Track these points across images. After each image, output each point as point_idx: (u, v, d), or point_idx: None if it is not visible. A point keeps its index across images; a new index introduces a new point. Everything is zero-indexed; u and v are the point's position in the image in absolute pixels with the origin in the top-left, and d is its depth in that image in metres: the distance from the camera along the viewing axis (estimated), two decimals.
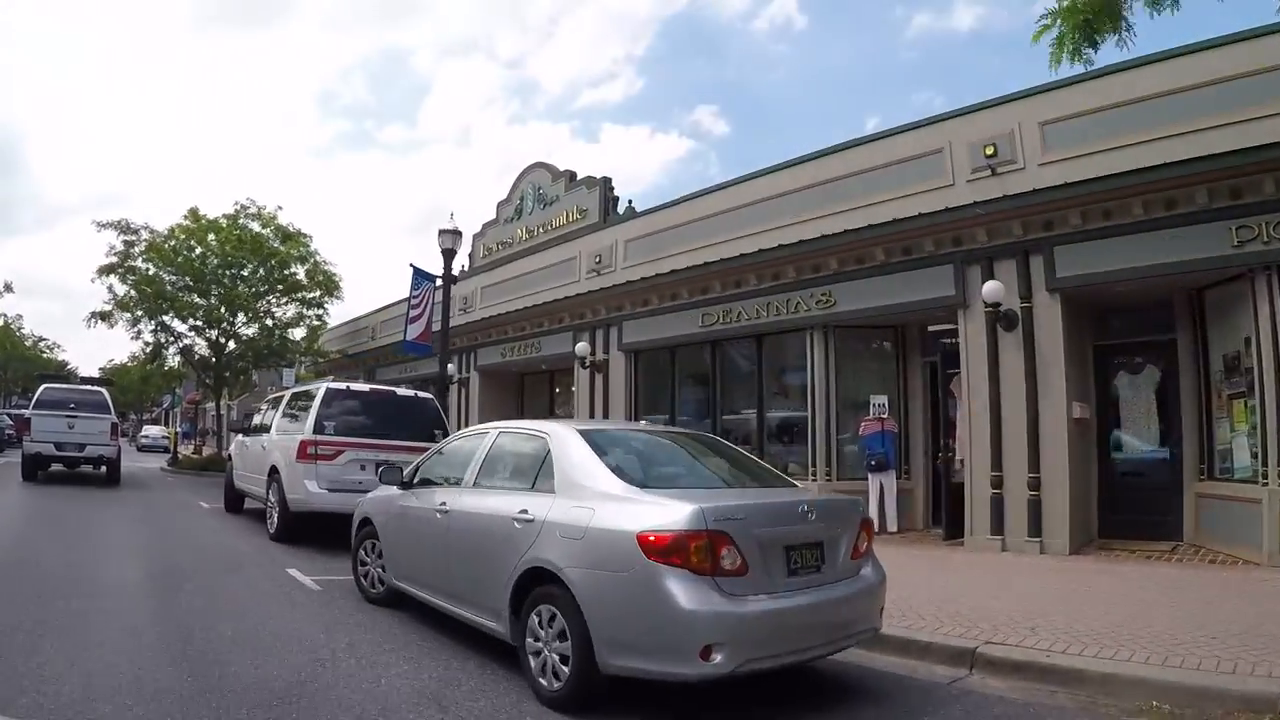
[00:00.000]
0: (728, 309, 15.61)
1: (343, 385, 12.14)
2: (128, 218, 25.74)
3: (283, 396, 13.41)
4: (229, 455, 15.36)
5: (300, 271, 27.10)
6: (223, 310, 25.70)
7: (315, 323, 28.16)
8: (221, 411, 31.56)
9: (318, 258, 27.33)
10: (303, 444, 11.23)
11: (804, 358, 14.12)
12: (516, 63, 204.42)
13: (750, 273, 14.90)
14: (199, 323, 26.75)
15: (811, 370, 13.89)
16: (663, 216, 17.61)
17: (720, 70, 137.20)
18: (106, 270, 25.38)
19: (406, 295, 16.74)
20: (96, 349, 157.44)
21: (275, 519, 11.63)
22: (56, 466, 18.84)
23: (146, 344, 27.03)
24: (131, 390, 71.14)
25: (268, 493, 12.13)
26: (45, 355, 69.40)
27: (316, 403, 11.52)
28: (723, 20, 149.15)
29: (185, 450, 46.09)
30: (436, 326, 16.99)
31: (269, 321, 27.56)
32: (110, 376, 76.53)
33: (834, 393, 13.74)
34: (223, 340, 26.97)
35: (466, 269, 24.58)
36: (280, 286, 26.90)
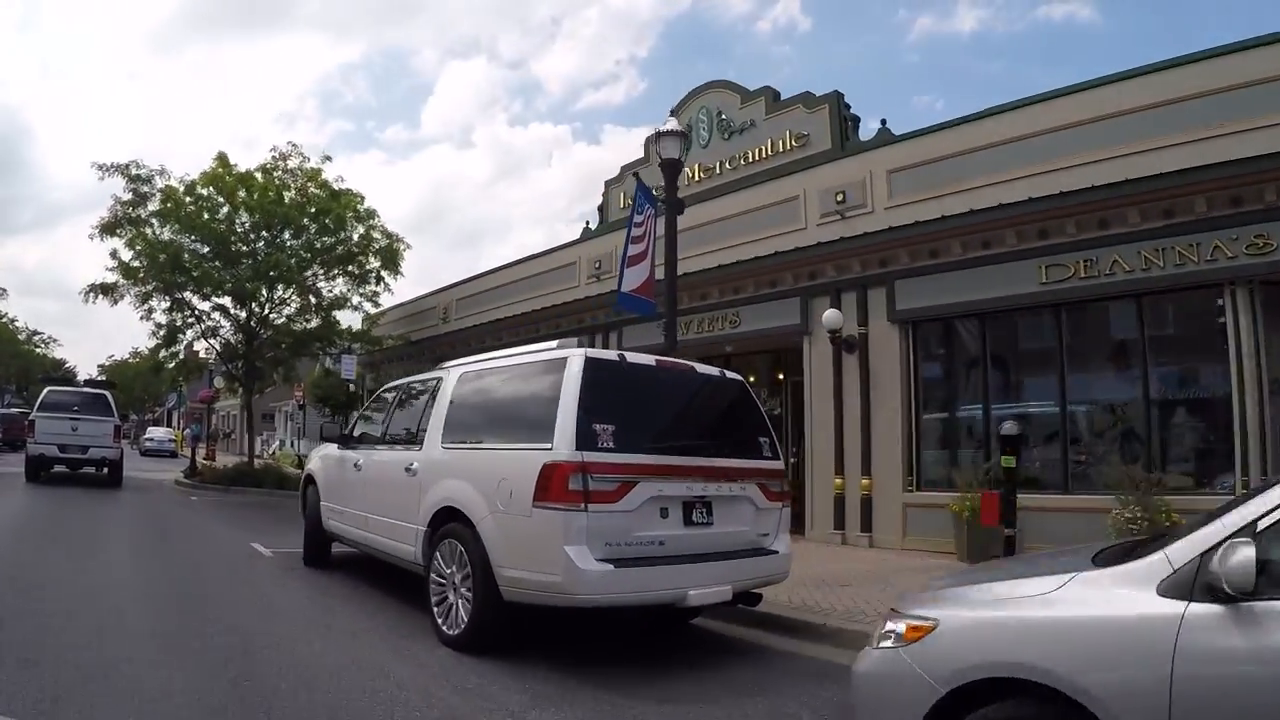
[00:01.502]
0: (1089, 259, 9.97)
1: (611, 354, 5.86)
2: (139, 159, 19.44)
3: (437, 378, 7.24)
4: (309, 478, 9.17)
5: (354, 236, 20.85)
6: (257, 284, 19.41)
7: (371, 301, 21.88)
8: (253, 410, 25.09)
9: (376, 219, 21.11)
10: (555, 471, 5.03)
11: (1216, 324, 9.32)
12: (518, 64, 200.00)
13: (1130, 206, 9.38)
14: (225, 300, 20.57)
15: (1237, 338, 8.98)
16: (946, 139, 11.69)
17: (723, 72, 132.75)
18: (109, 228, 19.13)
19: (626, 223, 10.10)
20: (98, 347, 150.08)
21: (456, 608, 5.71)
22: (60, 468, 18.53)
23: (158, 326, 20.72)
24: (135, 386, 64.99)
25: (427, 557, 6.13)
26: (39, 350, 63.14)
27: (571, 386, 5.32)
28: (726, 22, 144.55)
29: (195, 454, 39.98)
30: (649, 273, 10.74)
31: (313, 299, 21.34)
32: (110, 375, 71.16)
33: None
34: (255, 323, 20.68)
35: (595, 226, 18.47)
36: (329, 256, 20.65)
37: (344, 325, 22.45)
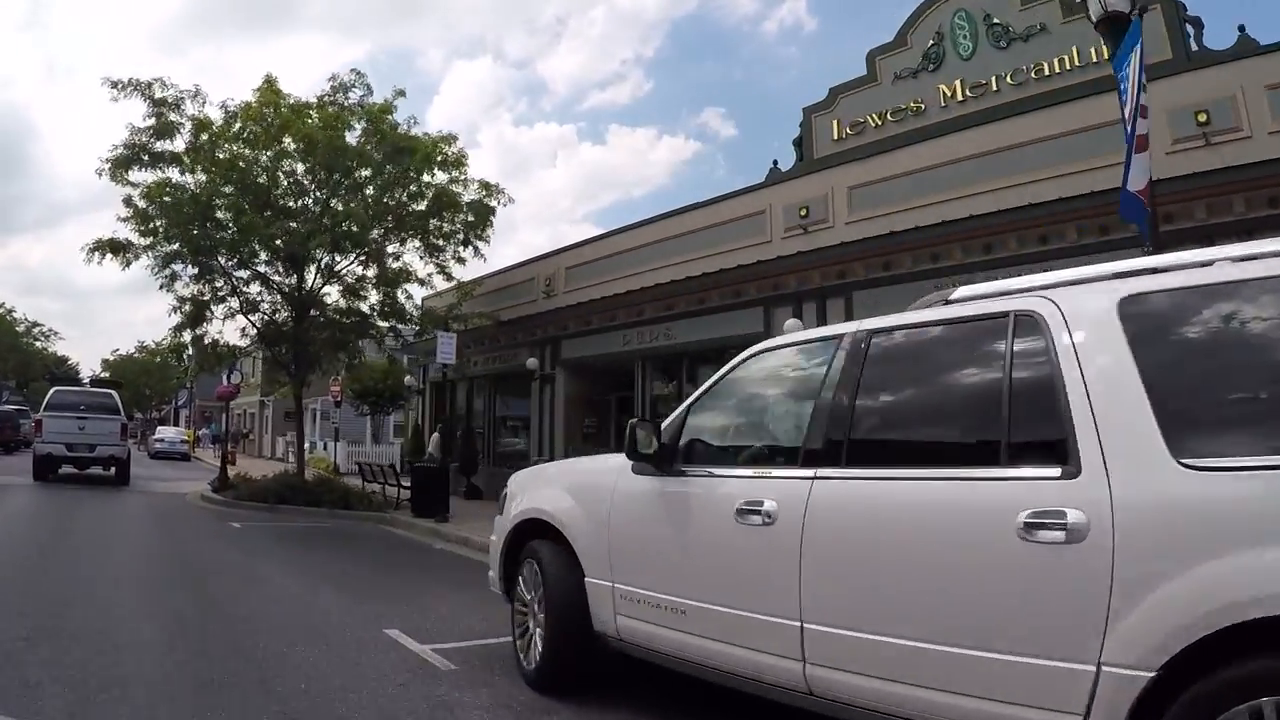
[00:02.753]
0: None
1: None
2: (165, 77, 14.86)
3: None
4: (531, 526, 4.65)
5: (430, 182, 16.30)
6: (320, 239, 14.86)
7: (442, 272, 17.34)
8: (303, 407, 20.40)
9: (465, 166, 16.56)
10: None
11: None
12: (524, 63, 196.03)
13: None
14: (270, 269, 16.11)
15: None
16: None
17: (729, 72, 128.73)
18: (122, 165, 14.59)
19: (1121, 80, 5.46)
20: (102, 344, 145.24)
21: None
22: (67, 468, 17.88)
23: (179, 301, 16.14)
24: (141, 382, 60.33)
25: None
26: (39, 344, 58.61)
27: None
28: (732, 22, 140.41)
29: (205, 457, 35.16)
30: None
31: (377, 267, 16.83)
32: (114, 370, 66.54)
33: None
34: (307, 296, 16.16)
35: (797, 163, 14.04)
36: (406, 214, 16.14)
37: (406, 300, 17.93)
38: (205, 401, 55.45)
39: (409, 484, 15.67)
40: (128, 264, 15.06)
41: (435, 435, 20.40)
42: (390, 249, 16.81)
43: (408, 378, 22.80)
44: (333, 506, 14.71)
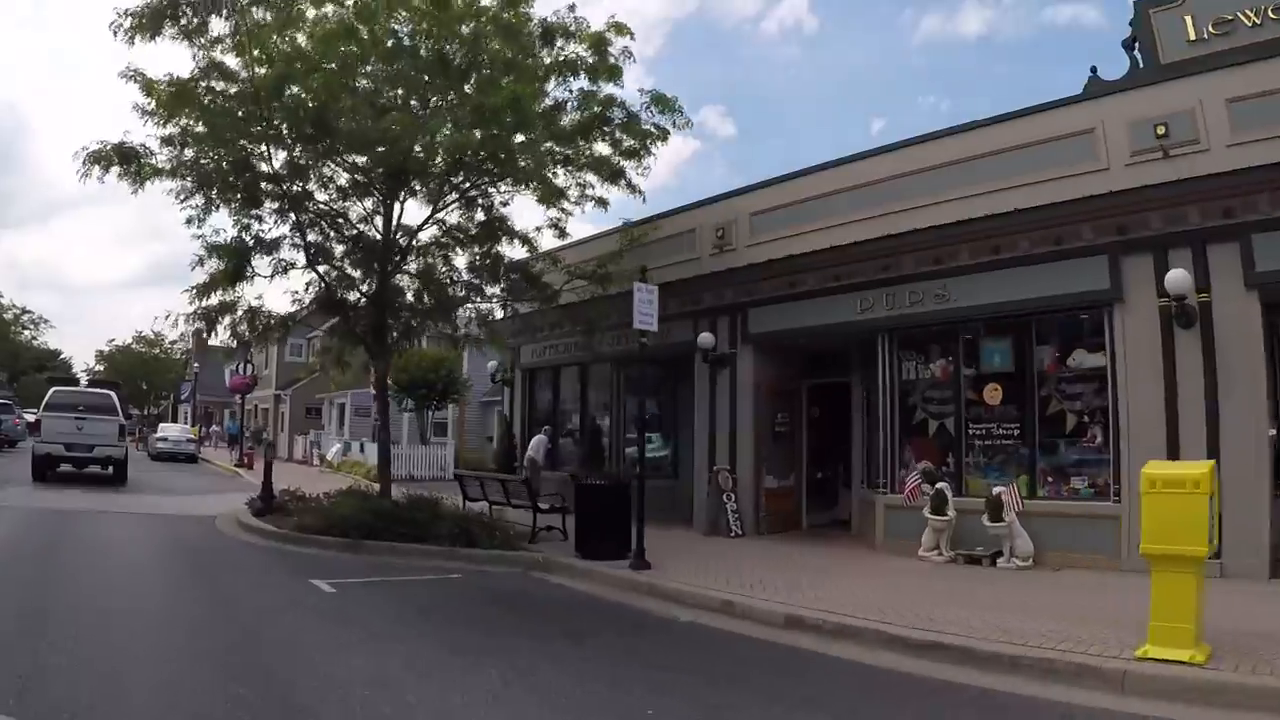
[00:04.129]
0: None
1: None
2: None
3: None
4: None
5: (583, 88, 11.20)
6: (457, 138, 9.72)
7: (553, 217, 12.34)
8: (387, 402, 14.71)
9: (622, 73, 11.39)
10: None
11: None
12: None
13: None
14: (350, 200, 11.14)
15: None
16: None
17: (729, 72, 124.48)
18: (149, 21, 9.41)
19: None
20: (97, 337, 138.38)
21: None
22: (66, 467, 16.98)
23: (208, 250, 10.99)
24: (144, 371, 54.91)
25: None
26: (29, 333, 53.17)
27: None
28: (732, 22, 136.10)
29: (216, 459, 29.97)
30: None
31: (483, 205, 11.80)
32: (108, 362, 60.93)
33: None
34: (394, 241, 11.11)
35: (1135, 69, 9.28)
36: (553, 130, 10.99)
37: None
38: (207, 397, 50.13)
39: (548, 506, 10.74)
40: (139, 182, 9.96)
41: (540, 437, 15.40)
42: (500, 192, 11.77)
43: (491, 364, 17.71)
44: (450, 542, 9.67)
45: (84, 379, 60.26)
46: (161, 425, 36.58)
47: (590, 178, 11.88)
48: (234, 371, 32.59)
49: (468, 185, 10.99)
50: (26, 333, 53.10)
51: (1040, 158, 9.62)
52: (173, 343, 58.13)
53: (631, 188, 12.07)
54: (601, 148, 11.62)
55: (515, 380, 17.07)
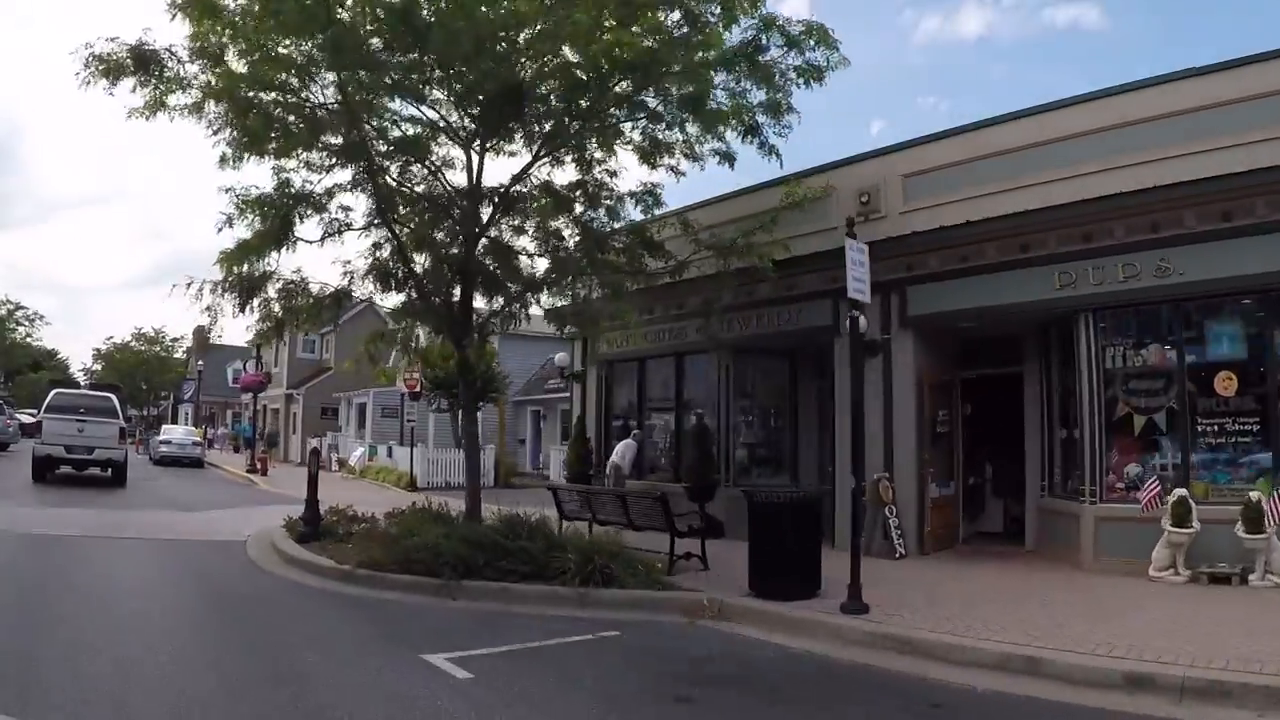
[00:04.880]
0: None
1: None
2: None
3: None
4: None
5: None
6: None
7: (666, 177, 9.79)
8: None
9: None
10: None
11: None
12: None
13: None
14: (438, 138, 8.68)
15: None
16: None
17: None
18: None
19: None
20: (95, 338, 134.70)
21: None
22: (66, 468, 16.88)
23: (240, 207, 8.47)
24: (145, 370, 52.14)
25: None
26: (23, 330, 50.43)
27: None
28: None
29: (224, 463, 25.82)
30: None
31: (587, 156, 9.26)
32: (106, 361, 58.24)
33: None
34: (482, 194, 8.58)
35: None
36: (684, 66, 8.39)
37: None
38: (209, 397, 47.40)
39: (686, 528, 8.29)
40: (156, 101, 7.41)
41: (628, 441, 12.86)
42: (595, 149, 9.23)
43: (559, 355, 15.20)
44: (581, 581, 7.10)
45: (82, 379, 58.15)
46: (164, 427, 33.79)
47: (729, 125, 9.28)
48: (243, 368, 29.99)
49: (598, 115, 8.38)
50: (21, 329, 50.21)
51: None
52: (174, 340, 55.65)
53: (769, 147, 9.48)
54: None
55: (588, 375, 14.50)
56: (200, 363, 39.94)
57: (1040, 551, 9.77)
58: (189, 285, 8.95)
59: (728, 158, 9.77)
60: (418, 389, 20.65)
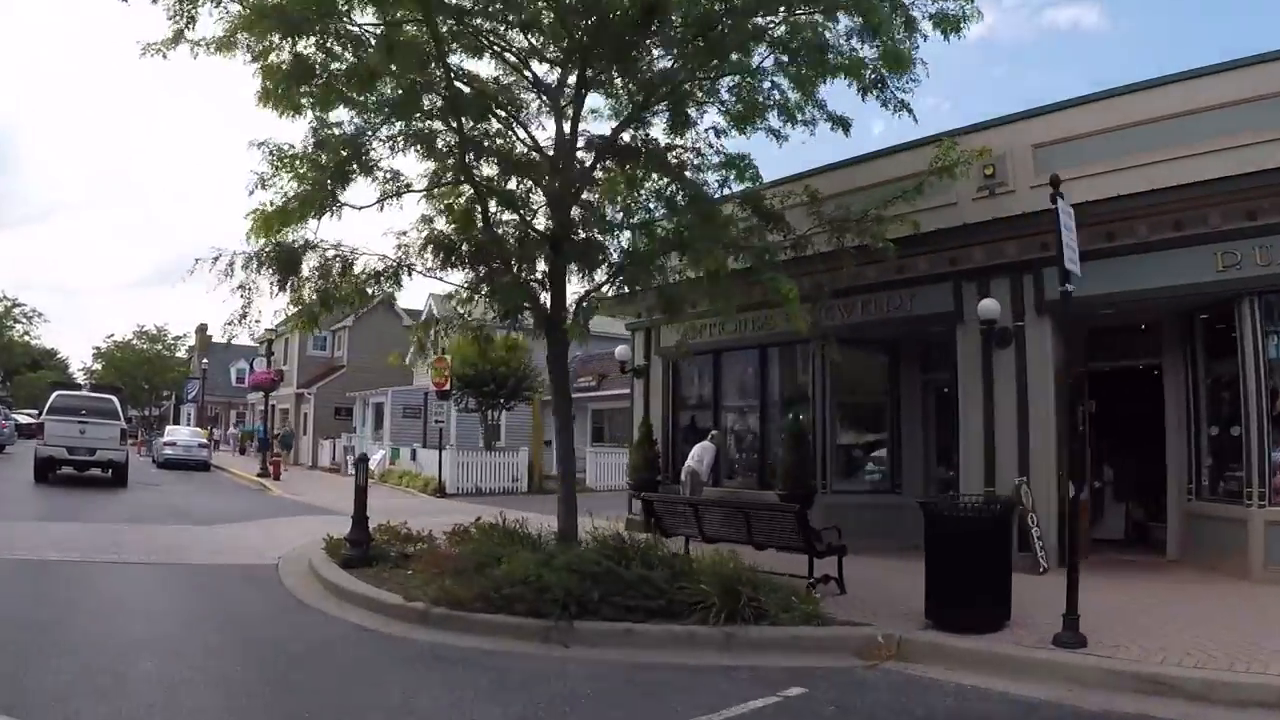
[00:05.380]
0: None
1: None
2: None
3: None
4: None
5: None
6: None
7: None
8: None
9: None
10: None
11: None
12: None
13: None
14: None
15: None
16: None
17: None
18: None
19: None
20: (94, 336, 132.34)
21: None
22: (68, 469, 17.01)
23: (283, 161, 7.01)
24: (147, 369, 50.35)
25: None
26: (21, 327, 48.68)
27: None
28: None
29: (234, 466, 23.70)
30: None
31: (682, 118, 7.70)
32: (106, 360, 56.42)
33: None
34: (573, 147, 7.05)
35: None
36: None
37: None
38: (212, 398, 45.74)
39: (825, 547, 6.82)
40: (185, 14, 5.85)
41: (706, 444, 11.30)
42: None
43: (621, 348, 13.61)
44: (726, 618, 5.56)
45: (81, 379, 56.53)
46: (169, 428, 32.13)
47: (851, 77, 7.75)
48: (249, 367, 28.39)
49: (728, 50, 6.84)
50: (19, 327, 48.44)
51: None
52: (177, 338, 54.02)
53: (898, 102, 7.95)
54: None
55: (651, 370, 12.93)
56: (205, 361, 38.36)
57: (1186, 561, 8.68)
58: (215, 260, 7.42)
59: (841, 122, 8.23)
60: (448, 387, 19.07)
